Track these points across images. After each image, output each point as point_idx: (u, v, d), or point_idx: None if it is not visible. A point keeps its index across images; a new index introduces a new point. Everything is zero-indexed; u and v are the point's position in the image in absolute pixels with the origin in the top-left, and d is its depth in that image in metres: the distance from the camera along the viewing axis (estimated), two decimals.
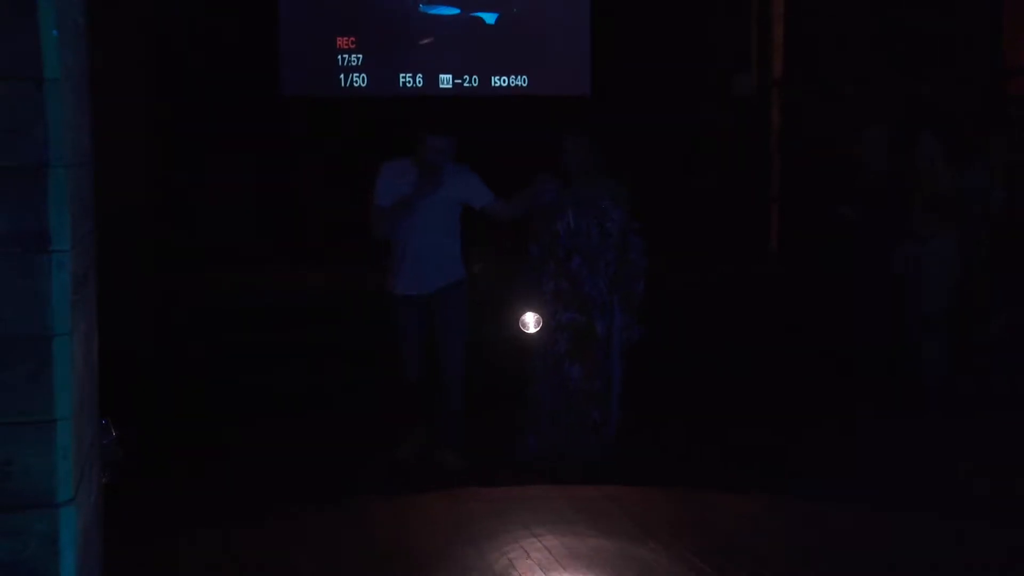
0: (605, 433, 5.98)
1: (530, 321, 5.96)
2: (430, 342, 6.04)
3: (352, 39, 10.21)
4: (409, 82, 10.28)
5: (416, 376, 6.02)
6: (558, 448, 5.94)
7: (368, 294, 6.94)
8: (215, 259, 9.47)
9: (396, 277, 6.03)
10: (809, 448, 6.37)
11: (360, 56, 10.22)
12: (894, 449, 6.35)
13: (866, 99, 9.07)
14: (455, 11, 10.32)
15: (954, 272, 7.57)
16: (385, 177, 6.04)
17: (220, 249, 9.60)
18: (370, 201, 6.06)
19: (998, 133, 8.18)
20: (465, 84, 10.27)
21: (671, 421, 6.71)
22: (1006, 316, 7.25)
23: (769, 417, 6.89)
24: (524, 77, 10.32)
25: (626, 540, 5.01)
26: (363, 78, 10.25)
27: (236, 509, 5.46)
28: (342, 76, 10.24)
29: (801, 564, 4.80)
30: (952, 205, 7.72)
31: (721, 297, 8.62)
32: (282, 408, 7.10)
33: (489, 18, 10.35)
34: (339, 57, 10.22)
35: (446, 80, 10.29)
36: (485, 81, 10.28)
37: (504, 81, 10.32)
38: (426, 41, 10.21)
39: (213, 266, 9.36)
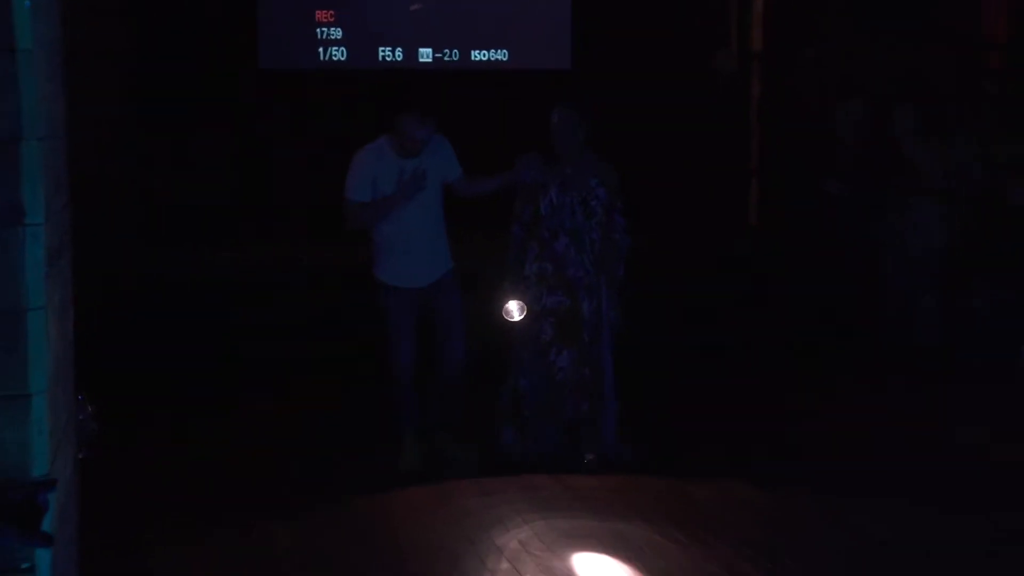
0: (600, 425, 5.73)
1: (514, 309, 5.66)
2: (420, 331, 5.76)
3: (331, 12, 10.13)
4: (388, 56, 10.21)
5: (410, 364, 5.72)
6: (547, 443, 5.72)
7: (349, 269, 6.90)
8: (194, 232, 9.42)
9: (385, 269, 5.74)
10: (801, 429, 6.30)
11: (339, 30, 10.15)
12: (887, 426, 6.32)
13: (846, 73, 9.07)
14: None
15: (935, 244, 7.61)
16: (359, 169, 5.64)
17: (198, 222, 9.55)
18: (342, 194, 5.66)
19: (976, 107, 8.21)
20: (445, 58, 10.21)
21: (661, 406, 6.54)
22: (987, 287, 7.29)
23: (760, 398, 6.81)
24: (504, 51, 10.27)
25: (619, 522, 4.97)
26: (342, 52, 10.18)
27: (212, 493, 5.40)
28: (321, 50, 10.17)
29: (795, 547, 4.76)
30: (931, 178, 7.75)
31: (702, 272, 8.61)
32: (264, 381, 7.07)
33: None
34: (318, 31, 10.15)
35: (426, 54, 10.22)
36: (465, 55, 10.22)
37: (484, 55, 10.27)
38: (416, 7, 10.13)
39: (192, 239, 9.31)
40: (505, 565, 4.59)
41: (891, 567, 4.62)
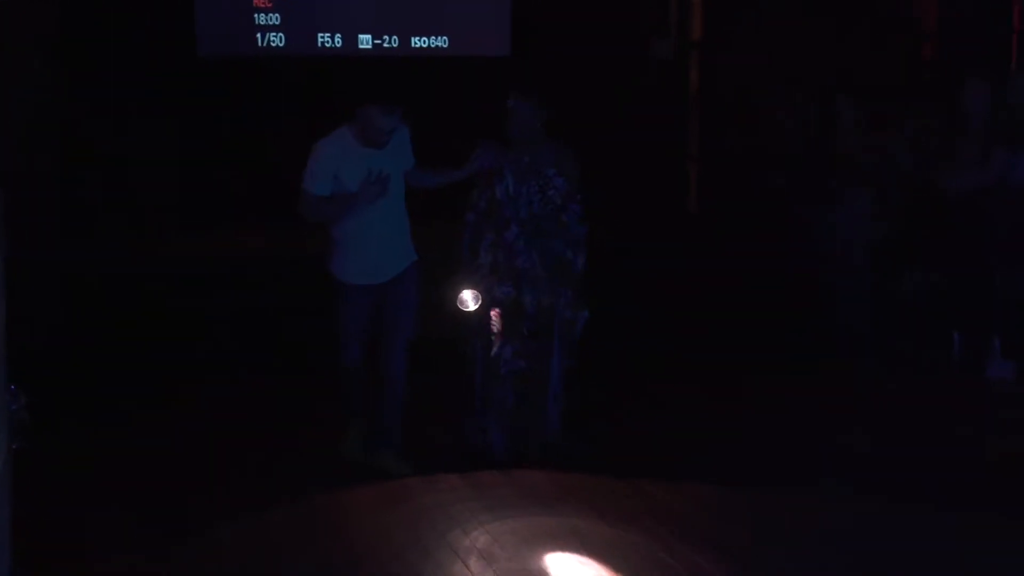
0: (543, 420, 5.66)
1: (469, 298, 5.53)
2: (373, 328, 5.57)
3: None
4: (328, 42, 10.16)
5: (358, 362, 5.53)
6: (497, 435, 5.65)
7: (295, 257, 6.85)
8: (129, 221, 9.33)
9: (345, 265, 5.45)
10: (745, 421, 6.29)
11: (277, 15, 10.08)
12: (831, 413, 6.37)
13: (782, 62, 9.17)
14: None
15: (871, 232, 7.73)
16: (321, 161, 5.32)
17: (134, 212, 9.46)
18: (300, 185, 5.35)
19: (913, 97, 8.34)
20: (385, 44, 10.18)
21: (610, 399, 6.51)
22: (919, 276, 7.41)
23: (701, 391, 6.79)
24: (444, 38, 10.26)
25: (574, 519, 4.91)
26: (280, 37, 10.11)
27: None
28: (259, 35, 10.09)
29: (754, 542, 4.73)
30: (866, 168, 7.87)
31: (641, 258, 8.66)
32: (209, 372, 7.00)
33: None
34: (255, 16, 10.06)
35: (365, 40, 10.19)
36: (405, 42, 10.19)
37: (424, 42, 10.25)
38: None
39: (127, 229, 9.22)
40: (465, 572, 4.50)
41: (849, 558, 4.62)
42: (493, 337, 5.62)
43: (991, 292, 7.05)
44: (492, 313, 5.59)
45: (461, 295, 5.54)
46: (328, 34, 10.15)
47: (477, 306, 5.55)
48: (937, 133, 7.69)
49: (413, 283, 5.51)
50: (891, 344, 7.47)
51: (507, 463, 5.57)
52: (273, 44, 10.11)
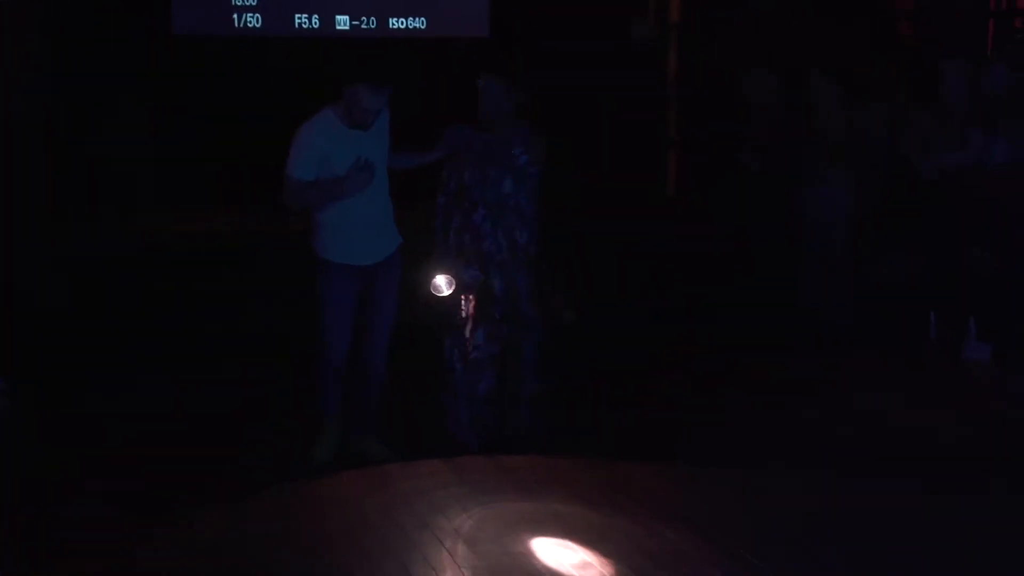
0: (519, 404, 5.60)
1: (442, 283, 5.45)
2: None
3: None
4: (305, 23, 10.10)
5: (342, 358, 5.35)
6: (474, 420, 5.58)
7: (274, 238, 6.81)
8: (106, 201, 9.27)
9: (330, 246, 5.29)
10: (726, 403, 6.29)
11: None
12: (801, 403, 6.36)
13: (761, 44, 9.17)
14: None
15: (847, 214, 7.75)
16: (307, 145, 5.14)
17: (110, 192, 9.40)
18: (284, 170, 5.16)
19: (886, 76, 8.36)
20: (363, 26, 10.13)
21: (590, 383, 6.47)
22: (897, 257, 7.44)
23: (683, 374, 6.78)
24: (422, 19, 10.21)
25: (556, 504, 4.87)
26: (257, 18, 10.04)
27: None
28: (235, 16, 10.02)
29: (736, 523, 4.72)
30: (843, 147, 7.88)
31: (619, 244, 8.66)
32: (185, 357, 6.94)
33: None
34: None
35: (343, 21, 10.13)
36: (383, 23, 10.14)
37: (402, 23, 10.20)
38: None
39: (104, 209, 9.16)
40: (446, 557, 4.45)
41: (830, 533, 4.66)
42: (462, 322, 5.54)
43: (967, 274, 7.09)
44: (464, 297, 5.53)
45: (435, 280, 5.46)
46: (305, 15, 10.09)
47: (451, 291, 5.47)
48: (914, 114, 7.71)
49: (399, 266, 5.42)
50: (869, 326, 7.51)
51: (487, 448, 5.53)
52: (250, 25, 10.04)
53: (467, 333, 5.54)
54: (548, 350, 5.68)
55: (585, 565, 4.37)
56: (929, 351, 7.19)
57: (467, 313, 5.54)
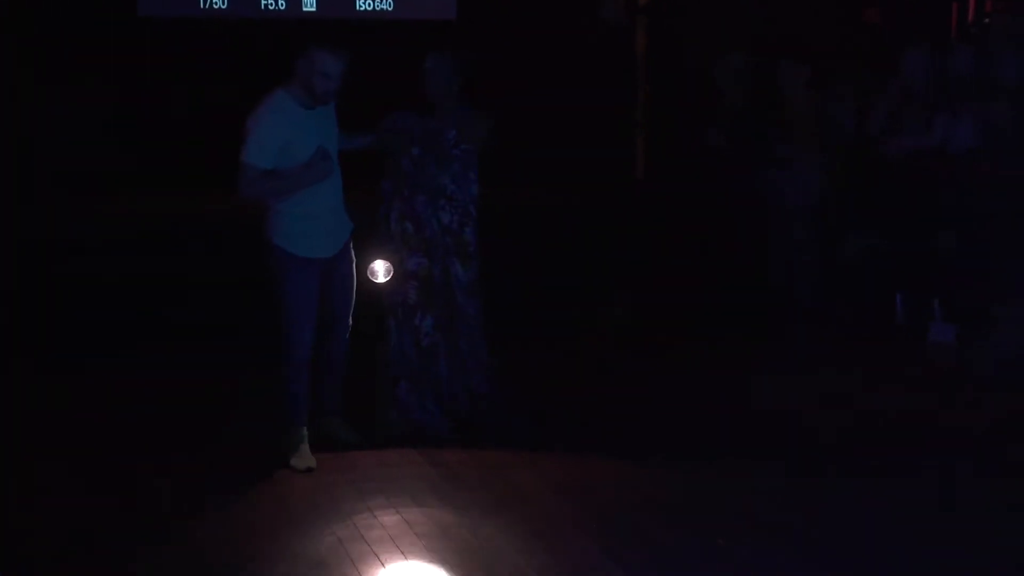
0: (470, 392, 5.50)
1: (379, 269, 5.34)
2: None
3: None
4: (271, 5, 10.03)
5: (309, 356, 5.08)
6: (416, 410, 5.46)
7: (236, 223, 6.62)
8: (70, 184, 9.19)
9: (290, 237, 4.96)
10: (681, 393, 6.19)
11: None
12: (769, 380, 6.36)
13: (729, 26, 9.19)
14: None
15: (814, 195, 7.79)
16: (266, 130, 4.81)
17: (76, 174, 9.33)
18: (239, 158, 4.83)
19: (852, 59, 8.40)
20: (329, 8, 10.08)
21: (552, 367, 6.44)
22: (862, 239, 7.49)
23: (643, 363, 6.72)
24: (390, 1, 10.17)
25: (476, 513, 4.62)
26: (223, 0, 9.97)
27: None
28: None
29: (678, 525, 4.54)
30: (808, 130, 7.92)
31: (587, 226, 8.67)
32: (145, 343, 6.89)
33: None
34: None
35: (309, 3, 10.07)
36: (349, 4, 10.09)
37: (369, 5, 10.15)
38: None
39: (68, 191, 9.09)
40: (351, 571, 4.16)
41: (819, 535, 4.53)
42: (410, 310, 5.43)
43: (932, 255, 7.15)
44: (410, 284, 5.43)
45: (372, 266, 5.33)
46: None
47: (388, 278, 5.36)
48: (879, 97, 7.76)
49: (352, 253, 5.21)
50: (834, 307, 7.56)
51: (425, 441, 5.37)
52: (216, 7, 9.96)
53: (416, 320, 5.45)
54: (485, 345, 5.51)
55: None
56: (895, 332, 7.25)
57: (413, 301, 5.44)
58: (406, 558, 4.26)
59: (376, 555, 4.27)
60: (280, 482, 4.98)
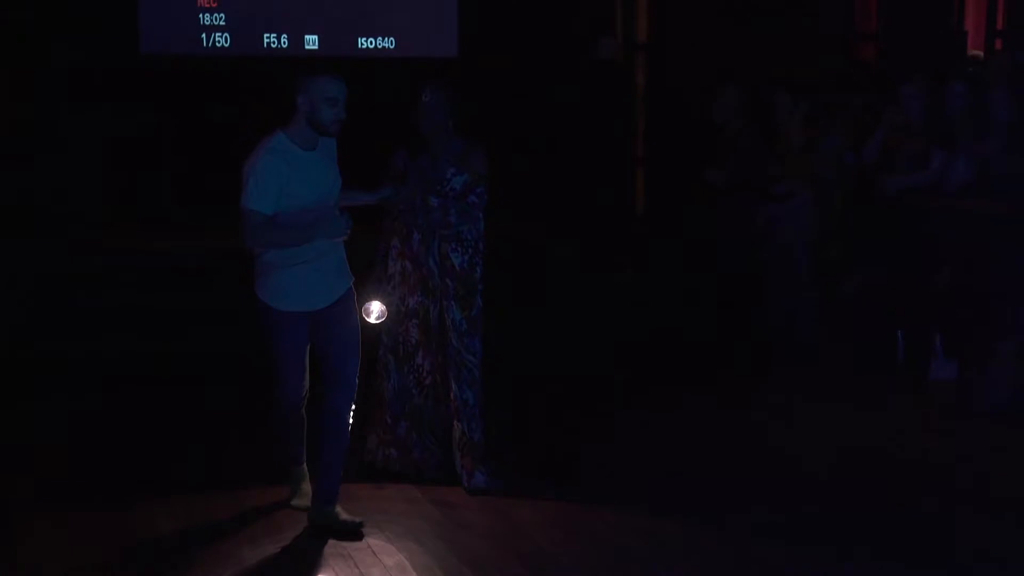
0: (462, 434, 5.33)
1: (374, 309, 5.22)
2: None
3: None
4: (274, 43, 10.10)
5: (300, 399, 4.93)
6: (416, 448, 5.41)
7: (232, 258, 6.59)
8: (71, 221, 9.22)
9: (277, 291, 4.73)
10: (680, 433, 6.16)
11: (222, 15, 10.00)
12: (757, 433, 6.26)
13: (727, 62, 9.25)
14: None
15: (811, 231, 7.82)
16: (266, 171, 4.58)
17: (76, 211, 9.36)
18: (242, 204, 4.59)
19: (849, 96, 8.45)
20: (332, 45, 10.13)
21: (545, 410, 6.40)
22: (861, 275, 7.50)
23: (640, 403, 6.67)
24: (391, 39, 10.23)
25: (478, 552, 4.57)
26: (226, 38, 10.03)
27: None
28: (204, 35, 10.01)
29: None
30: (805, 165, 7.96)
31: (587, 262, 8.69)
32: (134, 375, 6.95)
33: None
34: (200, 16, 9.98)
35: (312, 41, 10.14)
36: (352, 43, 10.16)
37: (371, 43, 10.22)
38: None
39: (67, 228, 9.11)
40: None
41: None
42: (411, 349, 5.37)
43: (931, 292, 7.16)
44: (411, 324, 5.38)
45: (367, 305, 5.20)
46: (274, 34, 10.08)
47: (381, 319, 5.25)
48: (876, 132, 7.79)
49: (353, 306, 4.92)
50: (836, 343, 7.56)
51: (420, 479, 5.35)
52: (219, 45, 10.03)
53: (419, 359, 5.40)
54: (482, 392, 5.38)
55: None
56: (896, 369, 7.24)
57: (415, 341, 5.39)
58: None
59: None
60: (280, 520, 4.97)
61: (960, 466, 5.70)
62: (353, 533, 4.77)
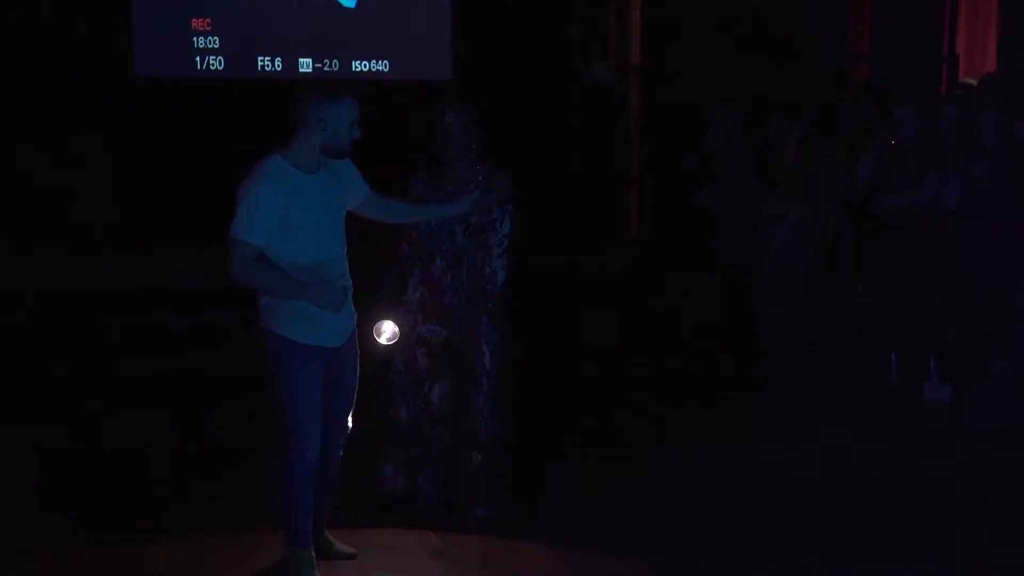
0: (470, 465, 5.22)
1: (386, 330, 5.06)
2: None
3: (208, 21, 10.02)
4: (268, 66, 10.13)
5: (318, 461, 4.39)
6: (428, 480, 5.29)
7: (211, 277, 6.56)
8: (62, 240, 9.23)
9: (292, 323, 4.28)
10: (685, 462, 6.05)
11: (217, 38, 10.04)
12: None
13: (720, 84, 9.29)
14: None
15: (805, 252, 7.84)
16: (262, 198, 4.15)
17: (67, 231, 9.37)
18: (231, 234, 4.19)
19: (843, 117, 8.48)
20: (325, 68, 10.17)
21: (539, 446, 6.23)
22: (855, 295, 7.51)
23: (641, 415, 6.67)
24: (385, 62, 10.27)
25: None
26: (220, 61, 10.06)
27: None
28: (198, 58, 10.04)
29: None
30: (799, 187, 7.99)
31: (581, 284, 8.69)
32: (137, 399, 6.89)
33: (348, 1, 10.27)
34: (194, 39, 10.01)
35: (306, 64, 10.17)
36: (346, 66, 10.19)
37: (365, 66, 10.25)
38: None
39: (59, 247, 9.12)
40: None
41: None
42: (419, 376, 5.26)
43: (925, 313, 7.17)
44: (418, 353, 5.26)
45: (378, 325, 5.05)
46: (268, 57, 10.12)
47: (392, 342, 5.09)
48: (869, 155, 7.82)
49: (357, 345, 4.57)
50: (829, 363, 7.56)
51: (433, 511, 5.24)
52: (212, 68, 10.05)
53: (425, 388, 5.28)
54: (498, 410, 5.29)
55: None
56: (889, 390, 7.24)
57: (422, 368, 5.27)
58: None
59: None
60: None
61: (956, 486, 5.69)
62: (348, 556, 4.66)
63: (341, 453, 4.60)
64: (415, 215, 5.01)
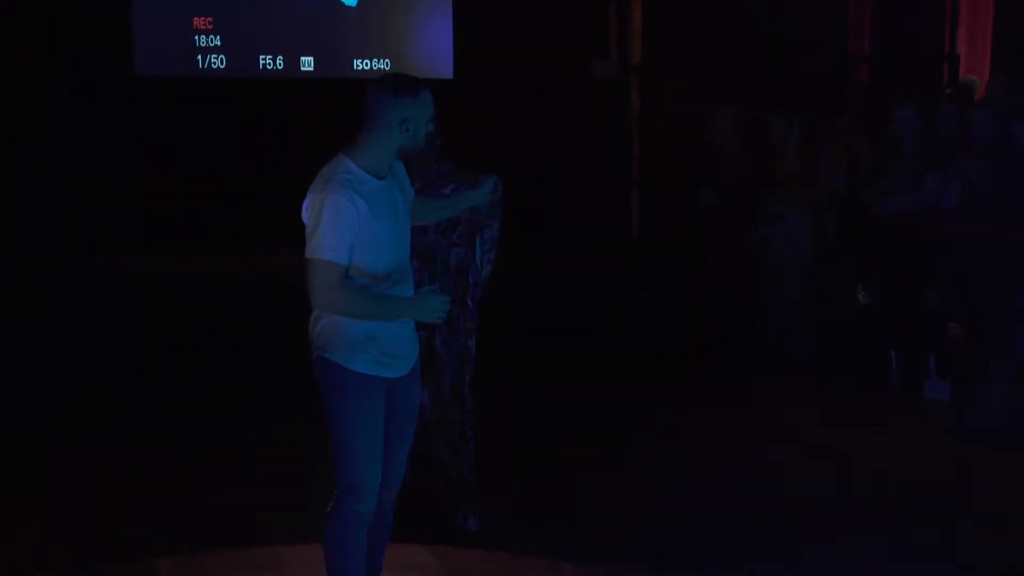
0: (455, 473, 5.08)
1: None
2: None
3: (209, 20, 10.03)
4: (269, 64, 10.14)
5: (373, 507, 3.81)
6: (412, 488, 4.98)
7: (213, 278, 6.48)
8: (62, 240, 9.24)
9: (359, 349, 3.71)
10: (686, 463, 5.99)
11: (218, 37, 10.04)
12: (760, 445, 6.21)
13: (721, 84, 9.30)
14: None
15: (805, 252, 7.85)
16: (343, 209, 3.59)
17: (68, 232, 9.38)
18: (314, 256, 3.60)
19: (842, 118, 8.49)
20: (327, 68, 10.19)
21: (540, 435, 6.25)
22: (854, 296, 7.52)
23: (641, 432, 6.53)
24: (387, 60, 10.28)
25: None
26: (221, 60, 10.08)
27: None
28: (199, 57, 10.04)
29: None
30: (799, 187, 7.99)
31: (581, 284, 8.69)
32: (143, 400, 6.88)
33: (350, 0, 10.28)
34: (196, 38, 10.02)
35: (307, 63, 10.18)
36: (347, 65, 10.20)
37: (366, 64, 10.26)
38: None
39: (59, 247, 9.13)
40: None
41: None
42: None
43: (924, 312, 7.18)
44: None
45: None
46: (270, 56, 10.12)
47: None
48: (869, 155, 7.83)
49: (420, 377, 4.03)
50: (829, 363, 7.57)
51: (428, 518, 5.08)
52: (214, 66, 10.06)
53: None
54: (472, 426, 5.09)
55: None
56: (890, 389, 7.25)
57: None
58: None
59: None
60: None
61: (957, 486, 5.70)
62: None
63: (396, 496, 3.99)
64: (449, 209, 4.40)
